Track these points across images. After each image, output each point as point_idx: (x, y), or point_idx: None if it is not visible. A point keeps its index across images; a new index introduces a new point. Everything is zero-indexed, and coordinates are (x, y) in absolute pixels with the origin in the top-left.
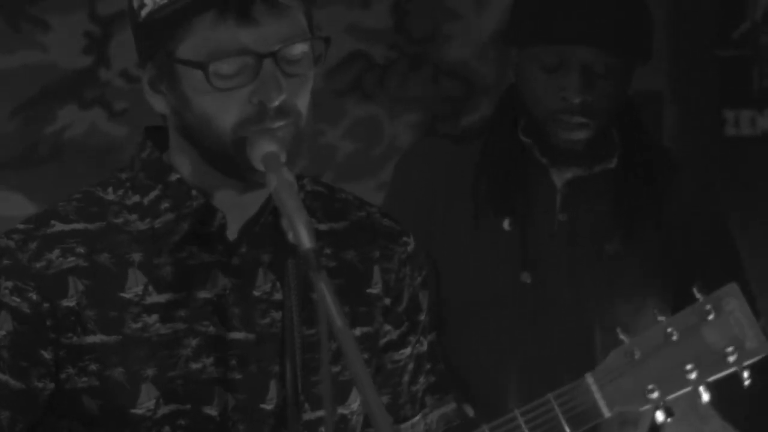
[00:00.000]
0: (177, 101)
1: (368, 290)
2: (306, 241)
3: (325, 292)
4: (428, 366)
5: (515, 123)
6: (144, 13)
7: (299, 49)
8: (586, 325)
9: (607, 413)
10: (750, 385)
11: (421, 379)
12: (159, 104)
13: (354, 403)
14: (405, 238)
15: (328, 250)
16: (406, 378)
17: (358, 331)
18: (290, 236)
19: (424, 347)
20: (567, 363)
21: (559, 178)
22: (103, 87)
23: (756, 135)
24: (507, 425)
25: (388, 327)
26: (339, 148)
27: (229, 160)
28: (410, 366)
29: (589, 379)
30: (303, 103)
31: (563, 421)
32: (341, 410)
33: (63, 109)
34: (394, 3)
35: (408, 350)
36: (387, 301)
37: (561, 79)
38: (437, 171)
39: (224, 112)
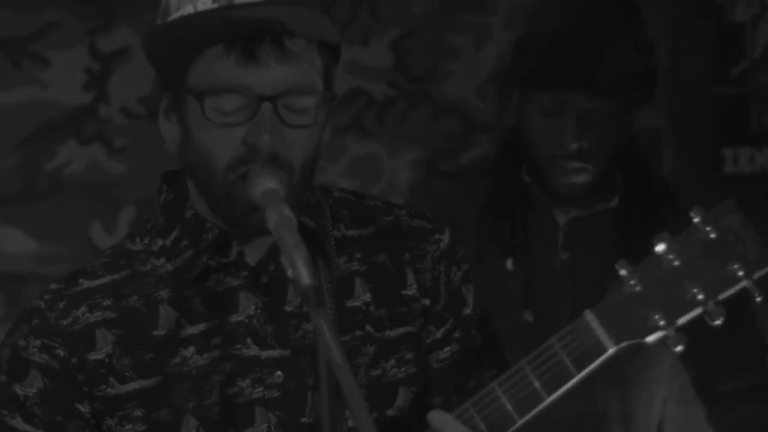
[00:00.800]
0: (183, 132)
1: (404, 292)
2: (305, 278)
3: (324, 329)
4: (488, 359)
5: (518, 163)
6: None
7: (305, 100)
8: None
9: (611, 347)
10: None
11: (478, 374)
12: (169, 134)
13: (403, 403)
14: (437, 236)
15: (358, 255)
16: (459, 376)
17: (398, 332)
18: (289, 273)
19: (478, 342)
20: (568, 400)
21: (562, 217)
22: (103, 123)
23: (755, 172)
24: (515, 376)
25: (431, 327)
26: (339, 185)
27: (225, 200)
28: (462, 362)
29: (589, 315)
30: (299, 155)
31: (568, 363)
32: (390, 412)
33: (63, 146)
34: (394, 41)
35: (454, 347)
36: (426, 301)
37: (558, 125)
38: (440, 209)
39: (219, 150)
